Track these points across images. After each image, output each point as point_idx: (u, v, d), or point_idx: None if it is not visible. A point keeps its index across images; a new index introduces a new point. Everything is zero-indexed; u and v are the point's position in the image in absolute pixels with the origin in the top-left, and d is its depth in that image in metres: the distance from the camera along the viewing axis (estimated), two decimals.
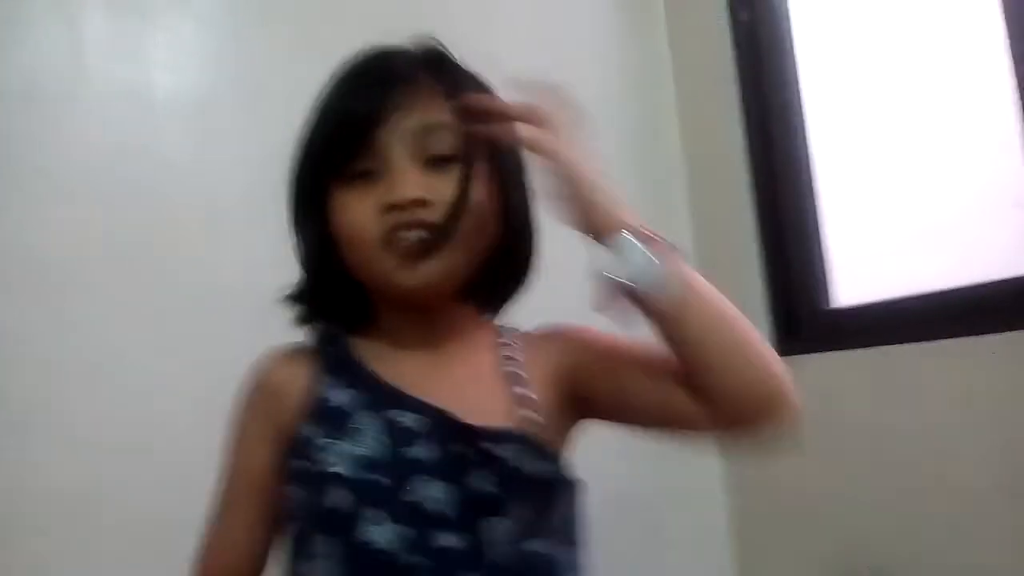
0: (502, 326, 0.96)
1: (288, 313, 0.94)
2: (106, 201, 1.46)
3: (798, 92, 1.77)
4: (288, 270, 1.47)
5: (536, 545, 0.82)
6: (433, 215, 0.83)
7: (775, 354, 0.80)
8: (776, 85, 1.78)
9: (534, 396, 0.87)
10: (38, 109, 1.43)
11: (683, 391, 0.81)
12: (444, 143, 0.85)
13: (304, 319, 0.93)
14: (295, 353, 0.92)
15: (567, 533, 0.88)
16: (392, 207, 0.82)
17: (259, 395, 0.91)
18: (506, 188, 0.89)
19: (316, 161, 0.88)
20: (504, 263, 0.91)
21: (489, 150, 0.87)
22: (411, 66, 0.88)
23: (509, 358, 0.90)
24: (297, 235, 0.92)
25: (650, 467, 1.75)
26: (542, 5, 1.88)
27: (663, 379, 0.83)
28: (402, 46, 0.90)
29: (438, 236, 0.83)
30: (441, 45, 0.91)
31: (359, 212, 0.84)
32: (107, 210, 1.46)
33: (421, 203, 0.82)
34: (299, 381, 0.88)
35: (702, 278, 0.81)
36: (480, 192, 0.86)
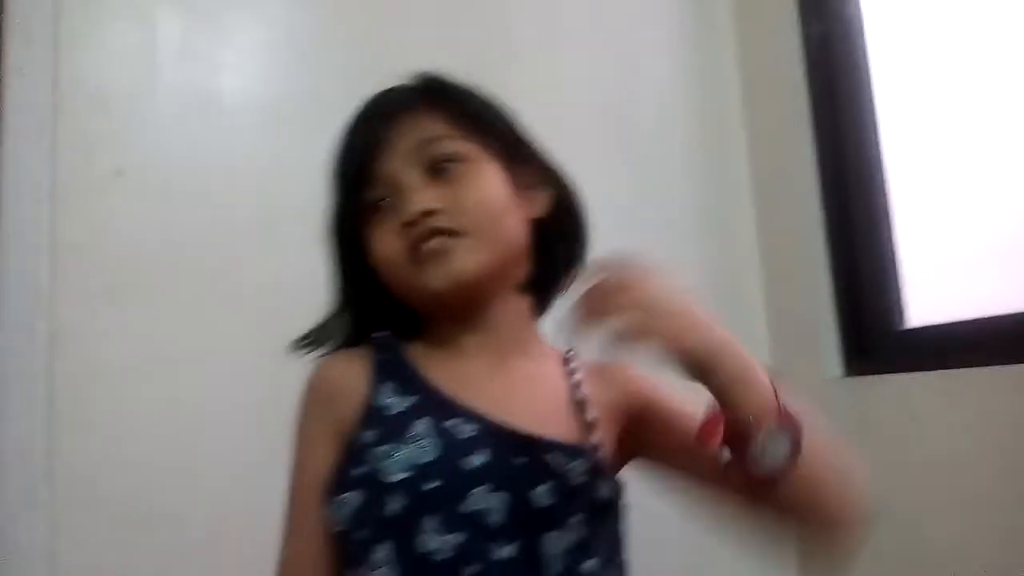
0: (568, 350, 0.98)
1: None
2: (173, 203, 1.50)
3: (872, 106, 1.72)
4: None
5: (591, 565, 0.83)
6: (446, 220, 0.86)
7: (856, 489, 0.83)
8: (849, 99, 1.74)
9: (602, 423, 0.89)
10: (113, 112, 1.48)
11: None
12: (440, 149, 0.89)
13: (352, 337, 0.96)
14: (351, 358, 0.93)
15: (618, 555, 0.89)
16: (407, 224, 0.86)
17: (318, 402, 0.91)
18: (526, 182, 0.93)
19: (339, 206, 0.93)
20: (550, 250, 0.95)
21: (504, 149, 0.92)
22: (398, 96, 0.94)
23: (578, 384, 0.92)
24: (338, 272, 0.96)
25: None
26: (608, 18, 1.87)
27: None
28: (397, 84, 0.96)
29: (452, 234, 0.86)
30: (435, 73, 0.96)
31: (384, 239, 0.88)
32: (174, 213, 1.49)
33: (431, 213, 0.86)
34: (356, 386, 0.89)
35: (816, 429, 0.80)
36: (492, 188, 0.89)
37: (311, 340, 0.96)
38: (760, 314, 1.86)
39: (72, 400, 1.39)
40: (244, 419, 1.43)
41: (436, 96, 0.93)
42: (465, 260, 0.86)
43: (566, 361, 0.96)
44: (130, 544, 1.37)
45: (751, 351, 1.88)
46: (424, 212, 0.86)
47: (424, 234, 0.86)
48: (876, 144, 1.71)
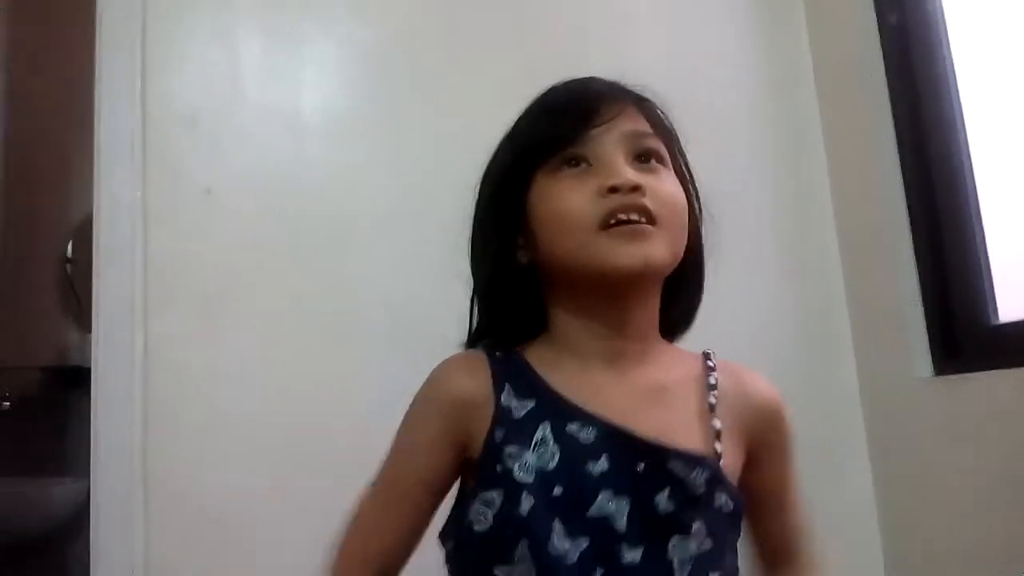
0: (706, 353, 0.98)
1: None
2: (259, 218, 1.55)
3: (955, 94, 1.67)
4: (422, 282, 1.52)
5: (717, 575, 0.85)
6: (649, 202, 0.87)
7: None
8: (930, 87, 1.69)
9: (729, 431, 0.90)
10: (200, 131, 1.54)
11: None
12: (651, 144, 0.91)
13: (482, 326, 0.97)
14: (473, 363, 0.93)
15: (735, 567, 0.90)
16: (613, 189, 0.86)
17: (441, 405, 0.92)
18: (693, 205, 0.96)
19: (524, 152, 0.93)
20: (686, 278, 0.95)
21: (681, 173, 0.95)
22: (616, 87, 0.95)
23: (713, 387, 0.92)
24: (486, 234, 0.95)
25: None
26: (678, 13, 1.86)
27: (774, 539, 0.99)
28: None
29: (651, 221, 0.87)
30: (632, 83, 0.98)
31: (576, 198, 0.88)
32: (260, 227, 1.55)
33: (638, 188, 0.86)
34: (482, 391, 0.89)
35: None
36: (682, 196, 0.92)
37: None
38: (843, 313, 1.82)
39: (166, 409, 1.45)
40: (331, 428, 1.47)
41: (644, 101, 0.96)
42: (658, 248, 0.87)
43: (706, 363, 0.96)
44: (220, 549, 1.42)
45: (835, 352, 1.85)
46: (635, 186, 0.86)
47: (627, 205, 0.86)
48: (961, 134, 1.66)
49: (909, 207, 1.69)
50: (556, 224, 0.89)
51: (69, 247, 3.10)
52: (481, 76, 1.67)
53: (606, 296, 0.90)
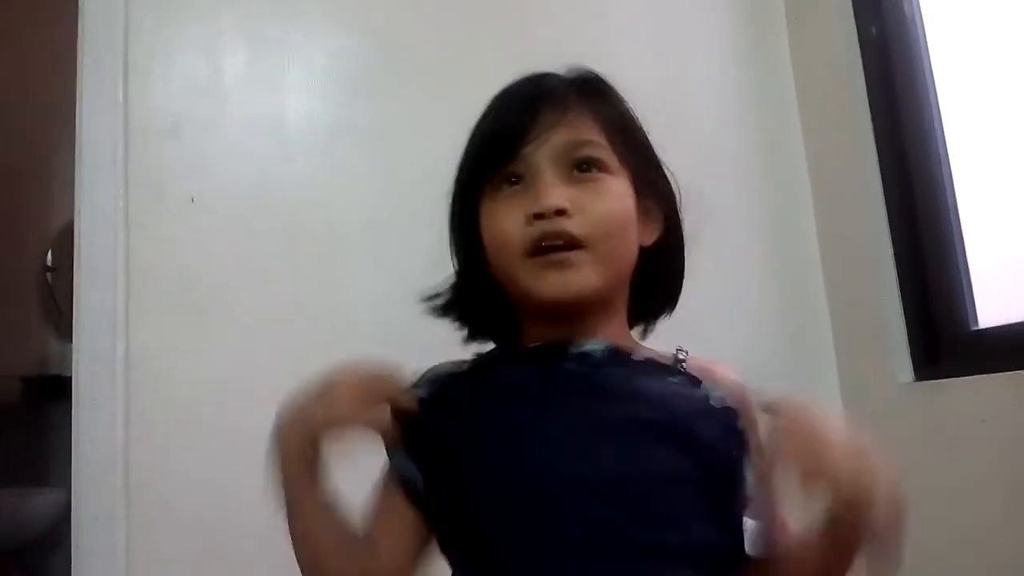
0: (678, 350, 0.96)
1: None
2: (243, 227, 1.54)
3: (934, 103, 1.69)
4: (408, 290, 1.51)
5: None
6: (575, 226, 0.85)
7: None
8: (909, 97, 1.71)
9: None
10: (183, 140, 1.53)
11: None
12: (588, 153, 0.89)
13: (460, 324, 0.97)
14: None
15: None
16: (537, 216, 0.85)
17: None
18: (647, 207, 0.92)
19: (470, 172, 0.93)
20: (650, 281, 0.94)
21: (638, 170, 0.91)
22: (561, 87, 0.92)
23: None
24: (453, 247, 0.96)
25: None
26: (661, 25, 1.88)
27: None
28: (555, 71, 0.95)
29: (578, 248, 0.85)
30: (594, 71, 0.95)
31: (507, 220, 0.88)
32: (243, 235, 1.54)
33: (563, 212, 0.85)
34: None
35: None
36: (622, 204, 0.89)
37: (438, 305, 0.97)
38: (826, 320, 1.83)
39: (148, 419, 1.44)
40: None
41: (593, 97, 0.93)
42: (585, 276, 0.86)
43: (676, 364, 0.94)
44: (203, 561, 1.41)
45: (817, 359, 1.86)
46: (557, 210, 0.85)
47: (551, 233, 0.85)
48: (939, 142, 1.68)
49: (889, 214, 1.71)
50: (493, 247, 0.90)
51: (49, 255, 3.08)
52: (466, 82, 1.66)
53: (559, 313, 0.90)
